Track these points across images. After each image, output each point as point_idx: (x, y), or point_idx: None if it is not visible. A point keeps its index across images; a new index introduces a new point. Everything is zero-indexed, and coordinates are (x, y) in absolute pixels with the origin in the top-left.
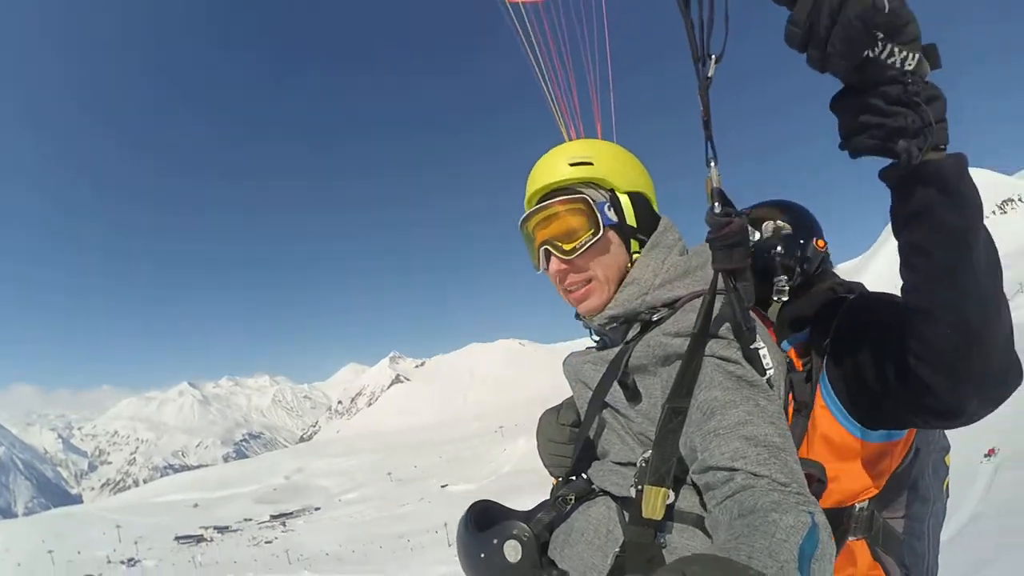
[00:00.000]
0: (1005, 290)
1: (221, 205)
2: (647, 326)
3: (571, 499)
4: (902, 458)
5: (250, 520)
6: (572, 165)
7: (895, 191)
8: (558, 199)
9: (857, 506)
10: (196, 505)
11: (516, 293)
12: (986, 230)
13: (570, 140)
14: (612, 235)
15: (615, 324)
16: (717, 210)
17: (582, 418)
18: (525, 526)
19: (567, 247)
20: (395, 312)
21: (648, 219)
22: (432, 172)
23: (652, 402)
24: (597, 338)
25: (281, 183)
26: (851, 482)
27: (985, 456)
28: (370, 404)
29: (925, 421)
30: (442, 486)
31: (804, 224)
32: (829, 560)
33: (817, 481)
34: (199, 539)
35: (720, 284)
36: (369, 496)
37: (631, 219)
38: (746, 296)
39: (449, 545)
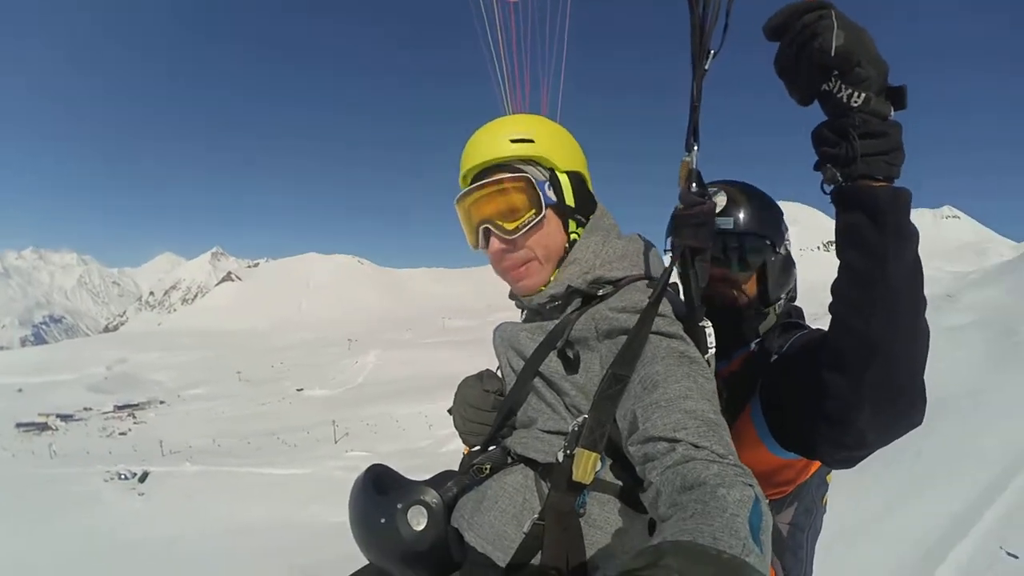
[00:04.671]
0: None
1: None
2: (589, 299)
3: (486, 469)
4: (810, 475)
5: (90, 409)
6: (513, 142)
7: (835, 209)
8: (499, 177)
9: None
10: (21, 390)
11: (360, 211)
12: (912, 260)
13: (509, 115)
14: (551, 215)
15: (556, 303)
16: (694, 189)
17: (509, 387)
18: (434, 492)
19: (508, 226)
20: (222, 206)
21: (585, 199)
22: (297, 65)
23: (589, 376)
24: (525, 316)
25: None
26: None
27: None
28: (185, 300)
29: (824, 437)
30: (298, 390)
31: (778, 221)
32: (770, 530)
33: None
34: (43, 427)
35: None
36: (217, 394)
37: (569, 199)
38: (702, 275)
39: (336, 442)
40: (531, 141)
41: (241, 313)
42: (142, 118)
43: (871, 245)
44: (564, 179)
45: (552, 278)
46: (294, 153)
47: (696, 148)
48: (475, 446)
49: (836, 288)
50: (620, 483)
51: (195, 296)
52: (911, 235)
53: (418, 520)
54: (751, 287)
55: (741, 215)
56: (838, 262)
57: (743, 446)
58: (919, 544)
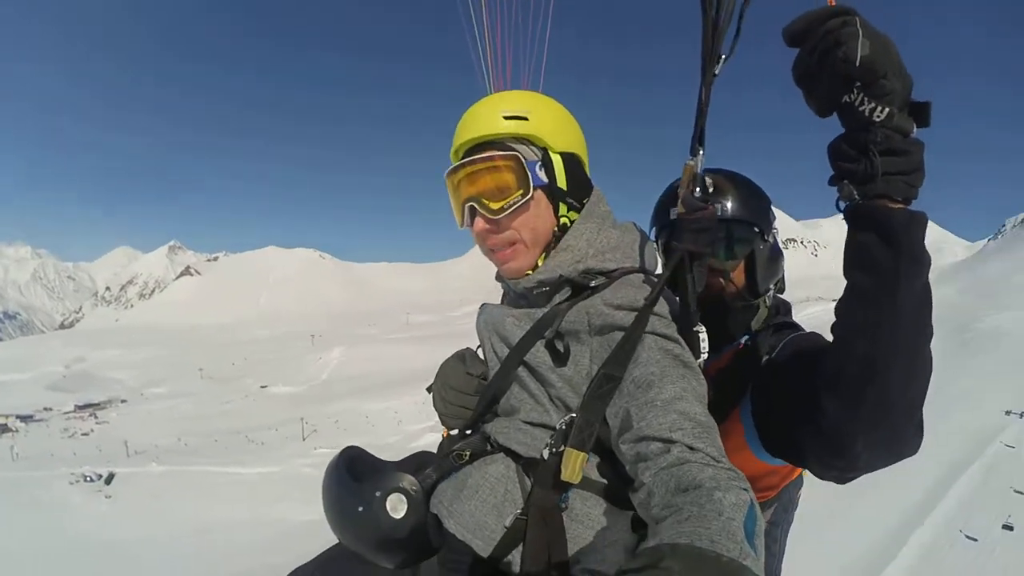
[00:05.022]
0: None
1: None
2: (580, 290)
3: (466, 455)
4: (794, 478)
5: (50, 409)
6: (507, 119)
7: (847, 226)
8: (488, 154)
9: None
10: None
11: (321, 204)
12: (922, 287)
13: (494, 92)
14: (541, 196)
15: (545, 288)
16: (697, 194)
17: (492, 372)
18: (413, 479)
19: (494, 206)
20: (179, 199)
21: (579, 182)
22: (255, 54)
23: (577, 369)
24: (509, 300)
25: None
26: None
27: None
28: (143, 295)
29: (815, 455)
30: (262, 387)
31: (766, 210)
32: (763, 535)
33: None
34: (3, 428)
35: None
36: (179, 392)
37: (562, 181)
38: (699, 280)
39: (304, 439)
40: (525, 119)
41: (201, 308)
42: (97, 108)
43: (882, 268)
44: (557, 160)
45: (540, 263)
46: (252, 145)
47: (702, 152)
48: (454, 429)
49: (841, 309)
50: (605, 480)
51: (152, 291)
52: (924, 261)
53: (397, 508)
54: (738, 277)
55: (728, 202)
56: (845, 281)
57: (730, 450)
58: (883, 529)
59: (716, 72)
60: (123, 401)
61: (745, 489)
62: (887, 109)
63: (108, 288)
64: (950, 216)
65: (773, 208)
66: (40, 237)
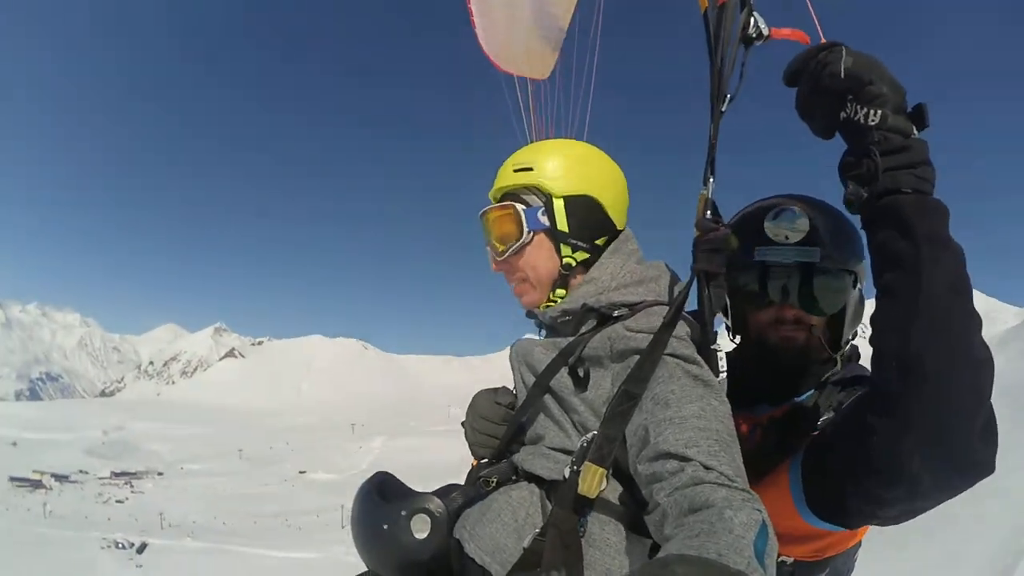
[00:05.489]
0: None
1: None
2: (605, 320)
3: (492, 481)
4: (845, 548)
5: (86, 473)
6: (516, 171)
7: (865, 234)
8: (494, 205)
9: (783, 557)
10: (15, 444)
11: (364, 294)
12: (954, 270)
13: (530, 141)
14: (543, 239)
15: (567, 318)
16: (708, 216)
17: (520, 401)
18: (439, 501)
19: (500, 248)
20: (227, 281)
21: (587, 223)
22: (312, 152)
23: (599, 393)
24: (544, 332)
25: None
26: (784, 541)
27: None
28: (185, 372)
29: (874, 496)
30: (300, 472)
31: (862, 251)
32: (775, 555)
33: None
34: (37, 484)
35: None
36: (217, 470)
37: (562, 225)
38: (716, 301)
39: (342, 527)
40: (530, 169)
41: (243, 391)
42: (151, 186)
43: (903, 257)
44: (559, 204)
45: (553, 297)
46: (300, 234)
47: (712, 181)
48: (483, 458)
49: (874, 317)
50: (623, 505)
51: (195, 370)
52: (948, 244)
53: (421, 528)
54: (822, 328)
55: (827, 246)
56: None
57: (775, 512)
58: None
59: (723, 110)
60: (160, 473)
61: (758, 509)
62: (880, 111)
63: (151, 362)
64: (998, 284)
65: None
66: (89, 306)
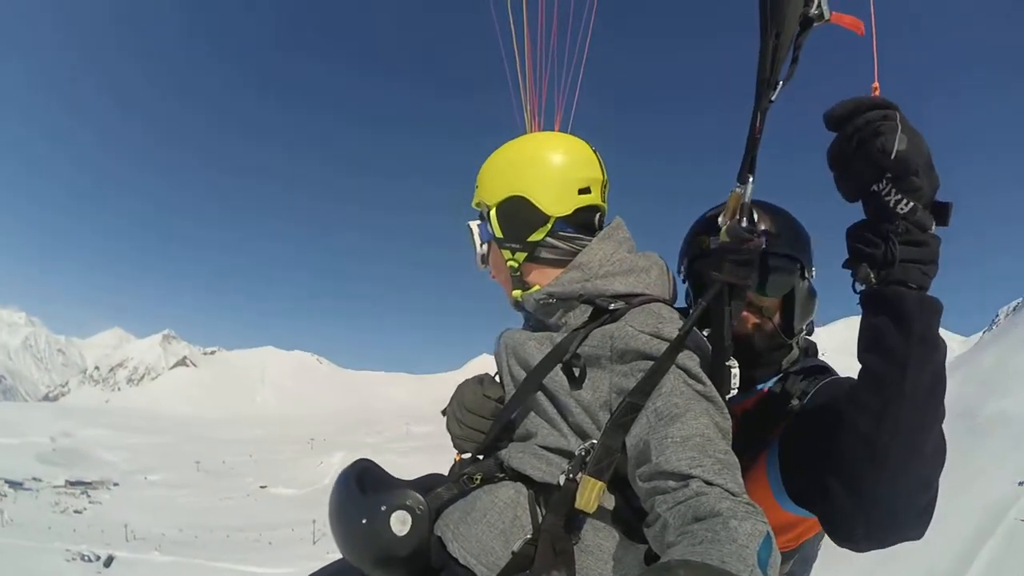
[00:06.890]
0: None
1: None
2: (599, 312)
3: (477, 479)
4: (816, 532)
5: (40, 480)
6: (475, 189)
7: (862, 310)
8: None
9: None
10: None
11: (319, 309)
12: (934, 372)
13: (529, 131)
14: (494, 248)
15: (552, 300)
16: (744, 224)
17: (508, 396)
18: (421, 498)
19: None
20: (178, 288)
21: (516, 223)
22: (263, 147)
23: (596, 395)
24: (529, 323)
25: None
26: None
27: None
28: (131, 380)
29: (827, 525)
30: (261, 486)
31: (808, 246)
32: (778, 567)
33: None
34: None
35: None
36: (176, 482)
37: (497, 231)
38: (736, 315)
39: (314, 543)
40: (477, 186)
41: (195, 400)
42: (101, 185)
43: (893, 351)
44: (493, 214)
45: (520, 297)
46: (253, 245)
47: (752, 180)
48: (466, 452)
49: (852, 391)
50: (617, 511)
51: (142, 377)
52: (936, 345)
53: (401, 525)
54: (775, 314)
55: (773, 234)
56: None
57: (753, 496)
58: None
59: (772, 98)
60: (115, 484)
61: (763, 521)
62: (912, 204)
63: (97, 368)
64: (945, 314)
65: None
66: (35, 305)
